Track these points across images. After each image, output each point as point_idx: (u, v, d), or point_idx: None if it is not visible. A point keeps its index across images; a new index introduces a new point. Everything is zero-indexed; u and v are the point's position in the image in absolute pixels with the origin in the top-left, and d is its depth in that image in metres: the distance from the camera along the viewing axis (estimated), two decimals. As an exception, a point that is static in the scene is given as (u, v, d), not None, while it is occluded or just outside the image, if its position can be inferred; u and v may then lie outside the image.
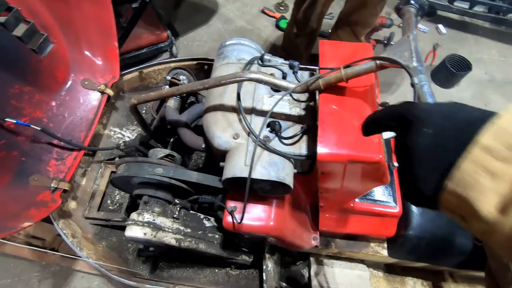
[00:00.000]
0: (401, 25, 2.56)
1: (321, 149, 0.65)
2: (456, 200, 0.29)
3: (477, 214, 0.27)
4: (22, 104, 1.07)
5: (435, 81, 2.38)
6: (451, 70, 2.24)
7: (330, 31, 2.12)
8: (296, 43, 1.81)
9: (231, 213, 0.83)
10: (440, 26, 2.68)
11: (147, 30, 2.02)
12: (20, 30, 1.04)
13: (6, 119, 0.98)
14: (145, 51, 2.00)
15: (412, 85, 0.52)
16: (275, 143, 0.77)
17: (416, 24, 0.64)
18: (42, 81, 1.13)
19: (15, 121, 1.00)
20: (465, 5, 2.56)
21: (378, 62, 0.60)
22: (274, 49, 2.35)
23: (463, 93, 2.37)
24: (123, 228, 1.20)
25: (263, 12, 2.55)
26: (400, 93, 2.28)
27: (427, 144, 0.31)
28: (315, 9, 1.54)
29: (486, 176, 0.26)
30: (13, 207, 0.91)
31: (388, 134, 0.71)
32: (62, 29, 1.17)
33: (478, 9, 2.59)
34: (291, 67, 0.85)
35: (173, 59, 1.45)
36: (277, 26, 2.47)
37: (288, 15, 2.51)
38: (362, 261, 1.16)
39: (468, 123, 0.30)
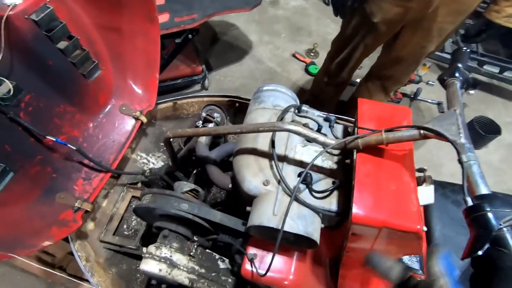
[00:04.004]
0: (431, 83, 2.52)
1: (356, 211, 0.63)
2: None
3: None
4: (63, 122, 1.13)
5: (461, 141, 2.34)
6: (480, 132, 2.20)
7: (358, 80, 2.17)
8: (326, 91, 1.85)
9: (251, 261, 0.81)
10: (468, 86, 2.68)
11: (184, 63, 2.14)
12: (75, 56, 1.12)
13: (47, 136, 1.03)
14: (179, 81, 2.10)
15: (460, 162, 0.51)
16: (305, 195, 0.76)
17: (461, 98, 0.65)
18: (85, 103, 1.20)
19: (54, 139, 1.04)
20: (495, 69, 2.59)
21: (422, 131, 0.60)
22: (302, 92, 2.41)
23: (491, 156, 2.31)
24: (135, 256, 1.18)
25: (294, 56, 2.67)
26: (425, 149, 2.25)
27: None
28: (349, 63, 1.59)
29: None
30: (37, 224, 0.92)
31: (425, 201, 0.69)
32: (112, 58, 1.25)
33: (508, 74, 2.60)
34: (327, 120, 0.86)
35: (206, 94, 1.51)
36: (307, 71, 2.56)
37: (317, 61, 2.61)
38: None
39: None
